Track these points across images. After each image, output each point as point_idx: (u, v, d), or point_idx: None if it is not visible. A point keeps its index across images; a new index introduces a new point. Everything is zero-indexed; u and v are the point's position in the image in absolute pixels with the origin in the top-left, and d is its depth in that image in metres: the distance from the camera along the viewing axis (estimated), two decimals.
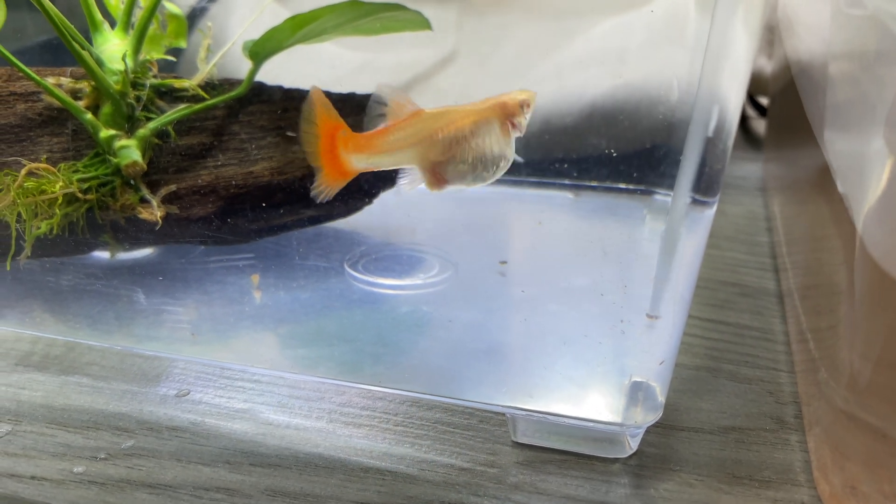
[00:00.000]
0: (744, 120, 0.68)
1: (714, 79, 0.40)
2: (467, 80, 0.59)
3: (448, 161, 0.36)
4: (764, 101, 0.66)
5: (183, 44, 0.46)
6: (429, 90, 0.59)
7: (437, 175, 0.37)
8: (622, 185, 0.49)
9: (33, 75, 0.38)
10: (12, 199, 0.35)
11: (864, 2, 0.34)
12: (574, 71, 0.54)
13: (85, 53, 0.38)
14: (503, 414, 0.38)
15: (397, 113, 0.36)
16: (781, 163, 0.54)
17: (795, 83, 0.52)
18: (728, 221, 0.50)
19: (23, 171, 0.36)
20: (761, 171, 0.56)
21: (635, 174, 0.48)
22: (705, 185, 0.39)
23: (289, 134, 0.40)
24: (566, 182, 0.49)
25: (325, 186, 0.36)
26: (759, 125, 0.66)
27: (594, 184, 0.49)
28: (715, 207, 0.39)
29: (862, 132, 0.32)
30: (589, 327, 0.37)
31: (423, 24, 0.44)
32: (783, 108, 0.55)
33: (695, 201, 0.39)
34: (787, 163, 0.52)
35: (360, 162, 0.35)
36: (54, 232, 0.38)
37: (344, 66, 0.58)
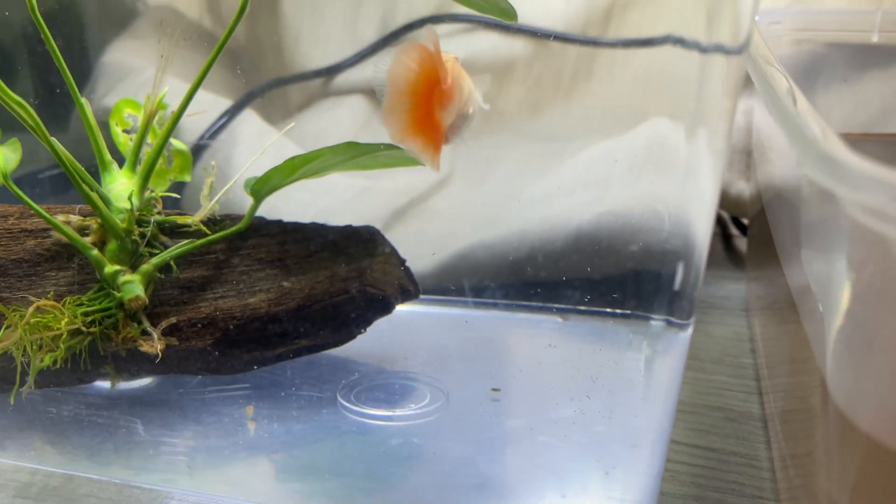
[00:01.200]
0: (727, 239, 0.70)
1: (684, 204, 0.42)
2: (462, 201, 0.62)
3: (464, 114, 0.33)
4: (746, 221, 0.69)
5: (187, 178, 0.48)
6: (425, 213, 0.61)
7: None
8: (608, 310, 0.50)
9: (44, 213, 0.40)
10: (20, 336, 0.37)
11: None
12: (562, 196, 0.57)
13: (94, 195, 0.40)
14: None
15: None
16: (761, 283, 0.56)
17: (765, 208, 0.55)
18: (713, 343, 0.52)
19: (30, 309, 0.38)
20: (745, 290, 0.58)
21: (621, 299, 0.50)
22: (680, 308, 0.40)
23: (284, 284, 0.42)
24: (555, 306, 0.51)
25: (434, 157, 0.31)
26: (744, 244, 0.69)
27: (582, 308, 0.51)
28: (690, 330, 0.41)
29: (817, 264, 0.34)
30: (578, 459, 0.38)
31: (415, 160, 0.46)
32: (760, 230, 0.57)
33: (670, 324, 0.41)
34: (765, 283, 0.54)
35: (446, 118, 0.31)
36: (58, 365, 0.39)
37: (342, 193, 0.61)
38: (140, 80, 0.64)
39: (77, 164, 0.40)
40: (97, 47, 0.68)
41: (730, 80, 0.41)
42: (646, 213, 0.51)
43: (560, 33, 0.61)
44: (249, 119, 0.63)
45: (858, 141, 0.58)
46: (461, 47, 0.64)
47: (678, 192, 0.43)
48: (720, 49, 0.42)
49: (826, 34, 0.55)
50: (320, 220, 0.59)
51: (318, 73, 0.68)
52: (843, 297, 0.24)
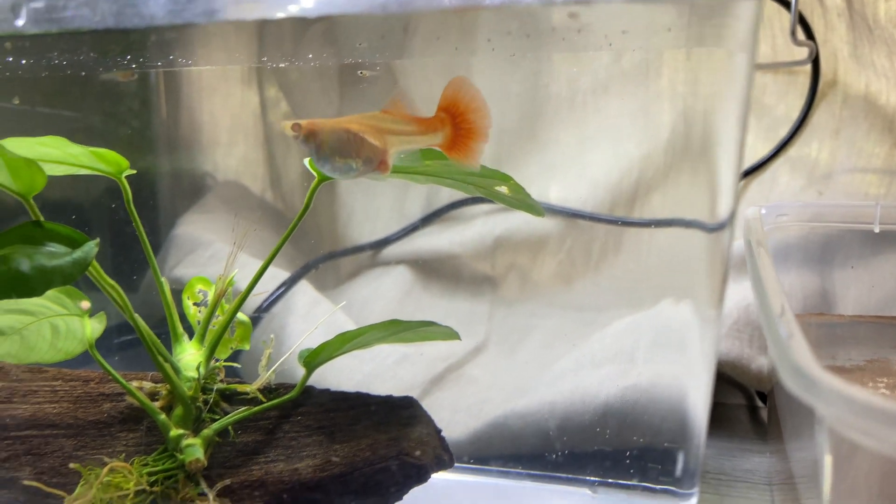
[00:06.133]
0: (753, 410, 0.72)
1: (680, 377, 0.45)
2: (496, 368, 0.65)
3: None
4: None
5: (247, 346, 0.53)
6: (461, 379, 0.65)
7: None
8: (636, 483, 0.53)
9: (121, 380, 0.45)
10: (93, 495, 0.41)
11: None
12: (591, 369, 0.60)
13: (167, 366, 0.45)
14: None
15: None
16: (778, 457, 0.58)
17: (774, 386, 0.58)
18: None
19: (105, 469, 0.42)
20: (768, 464, 0.60)
21: (649, 471, 0.52)
22: (685, 479, 0.42)
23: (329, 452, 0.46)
24: (585, 478, 0.54)
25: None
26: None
27: (611, 480, 0.53)
28: (694, 500, 0.42)
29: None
30: None
31: (452, 335, 0.50)
32: (775, 405, 0.60)
33: (673, 494, 0.43)
34: (780, 458, 0.56)
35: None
36: None
37: (385, 359, 0.65)
38: (208, 254, 0.71)
39: (155, 337, 0.46)
40: (169, 219, 0.75)
41: (716, 255, 0.44)
42: (667, 388, 0.54)
43: (588, 212, 0.67)
44: (303, 289, 0.69)
45: (872, 323, 0.62)
46: (500, 223, 0.70)
47: (680, 366, 0.47)
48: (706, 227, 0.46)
49: (830, 225, 0.60)
50: (365, 384, 0.64)
51: (368, 246, 0.75)
52: (827, 487, 0.27)
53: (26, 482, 0.44)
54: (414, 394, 0.50)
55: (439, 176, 0.49)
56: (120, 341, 0.66)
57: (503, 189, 0.50)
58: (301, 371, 0.48)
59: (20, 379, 0.46)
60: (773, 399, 0.59)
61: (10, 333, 0.49)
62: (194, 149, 0.82)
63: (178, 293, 0.53)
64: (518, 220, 0.70)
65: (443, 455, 0.49)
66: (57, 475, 0.44)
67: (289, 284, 0.67)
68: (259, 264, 0.48)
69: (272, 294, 0.66)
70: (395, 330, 0.49)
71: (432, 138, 0.42)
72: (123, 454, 0.44)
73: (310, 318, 0.67)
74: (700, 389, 0.43)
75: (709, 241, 0.51)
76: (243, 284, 0.49)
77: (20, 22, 0.40)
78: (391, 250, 0.74)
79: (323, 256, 0.74)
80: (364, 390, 0.50)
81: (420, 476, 0.47)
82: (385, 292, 0.72)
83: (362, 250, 0.75)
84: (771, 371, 0.61)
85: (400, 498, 0.47)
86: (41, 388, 0.46)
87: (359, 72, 0.57)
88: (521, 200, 0.50)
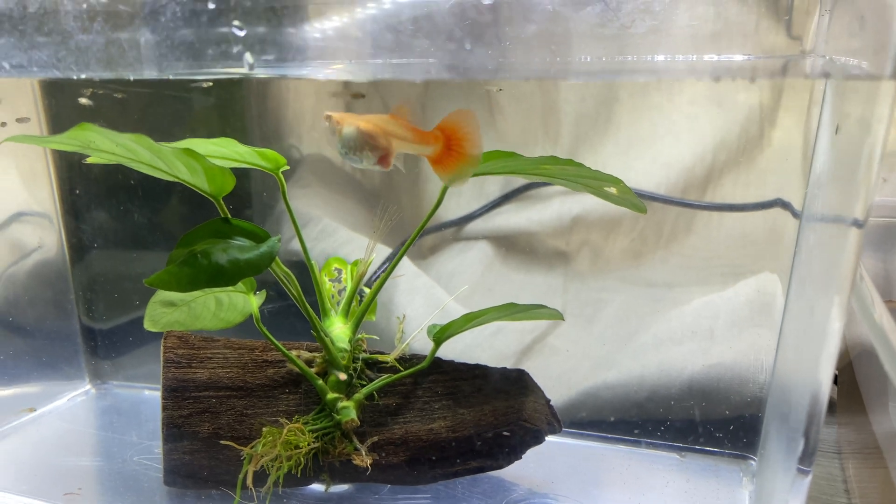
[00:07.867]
0: None
1: (814, 363, 0.50)
2: (575, 340, 0.71)
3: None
4: (836, 372, 0.77)
5: (373, 318, 0.60)
6: (545, 350, 0.71)
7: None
8: (720, 450, 0.59)
9: (283, 349, 0.52)
10: (278, 452, 0.48)
11: None
12: (672, 345, 0.66)
13: (327, 340, 0.52)
14: None
15: None
16: (851, 428, 0.64)
17: (853, 362, 0.63)
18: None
19: (286, 430, 0.49)
20: (836, 434, 0.66)
21: (732, 441, 0.59)
22: (806, 457, 0.49)
23: (459, 414, 0.53)
24: (673, 444, 0.60)
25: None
26: (832, 391, 0.76)
27: (697, 447, 0.60)
28: (811, 476, 0.49)
29: None
30: None
31: (557, 315, 0.56)
32: (849, 381, 0.66)
33: (799, 471, 0.49)
34: (855, 429, 0.62)
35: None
36: (297, 473, 0.50)
37: (482, 330, 0.72)
38: (318, 229, 0.77)
39: (314, 315, 0.52)
40: (271, 190, 0.80)
41: (849, 249, 0.47)
42: (753, 366, 0.60)
43: (662, 196, 0.72)
44: (404, 263, 0.75)
45: None
46: (575, 205, 0.76)
47: (805, 352, 0.51)
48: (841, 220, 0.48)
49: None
50: (465, 353, 0.70)
51: (454, 223, 0.81)
52: None
53: (205, 435, 0.51)
54: (507, 363, 0.57)
55: (553, 177, 0.55)
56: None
57: (612, 190, 0.55)
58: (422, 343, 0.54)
59: (197, 347, 0.53)
60: (846, 375, 0.65)
61: (180, 305, 0.57)
62: (282, 126, 0.88)
63: (293, 265, 0.60)
64: (594, 201, 0.75)
65: (553, 421, 0.56)
66: (231, 430, 0.51)
67: (393, 259, 0.73)
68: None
69: (380, 269, 0.72)
70: (511, 311, 0.55)
71: (424, 149, 0.47)
72: (284, 413, 0.52)
73: (412, 290, 0.74)
74: (826, 368, 0.48)
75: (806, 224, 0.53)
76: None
77: None
78: (472, 226, 0.79)
79: (419, 232, 0.80)
80: (464, 359, 0.56)
81: (536, 439, 0.54)
82: (468, 265, 0.78)
83: (450, 226, 0.81)
84: (843, 350, 0.67)
85: (520, 457, 0.54)
86: (215, 355, 0.53)
87: (496, 89, 0.63)
88: (626, 199, 0.56)
